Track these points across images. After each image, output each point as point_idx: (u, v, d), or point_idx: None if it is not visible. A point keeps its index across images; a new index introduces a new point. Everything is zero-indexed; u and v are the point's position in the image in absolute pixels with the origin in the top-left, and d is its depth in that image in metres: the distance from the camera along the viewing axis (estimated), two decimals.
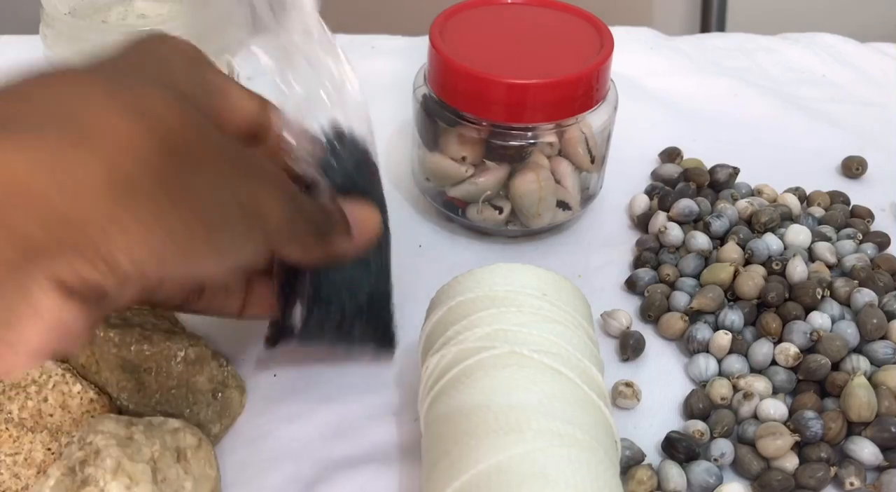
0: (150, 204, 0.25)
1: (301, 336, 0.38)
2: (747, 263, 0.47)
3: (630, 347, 0.44)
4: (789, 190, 0.54)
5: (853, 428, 0.40)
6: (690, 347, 0.44)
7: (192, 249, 0.27)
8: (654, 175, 0.56)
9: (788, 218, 0.51)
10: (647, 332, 0.46)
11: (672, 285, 0.47)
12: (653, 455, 0.40)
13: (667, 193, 0.52)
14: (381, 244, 0.38)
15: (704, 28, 1.15)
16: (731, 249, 0.47)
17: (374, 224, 0.37)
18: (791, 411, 0.40)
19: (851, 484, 0.38)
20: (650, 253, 0.49)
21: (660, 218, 0.50)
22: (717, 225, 0.49)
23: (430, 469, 0.33)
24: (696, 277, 0.47)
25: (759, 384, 0.41)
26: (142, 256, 0.25)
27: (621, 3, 1.12)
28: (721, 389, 0.41)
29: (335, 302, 0.38)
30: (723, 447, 0.39)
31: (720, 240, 0.49)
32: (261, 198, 0.29)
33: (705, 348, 0.44)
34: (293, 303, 0.38)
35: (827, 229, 0.50)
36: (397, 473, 0.39)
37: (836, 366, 0.42)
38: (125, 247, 0.25)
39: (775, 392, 0.42)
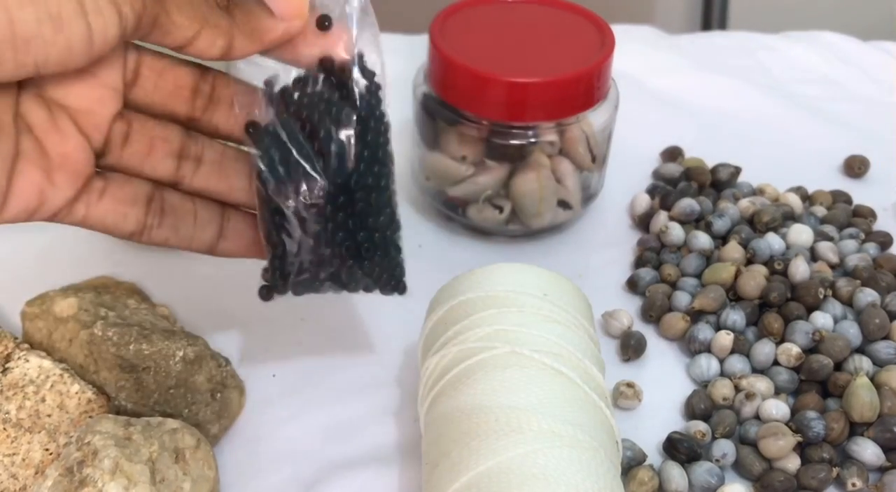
0: None
1: (295, 285, 0.35)
2: (749, 262, 0.47)
3: (631, 348, 0.44)
4: (791, 189, 0.54)
5: (855, 429, 0.39)
6: (692, 348, 0.44)
7: None
8: (656, 174, 0.56)
9: (790, 217, 0.50)
10: (649, 332, 0.45)
11: (673, 285, 0.47)
12: (654, 456, 0.40)
13: (668, 192, 0.52)
14: (376, 161, 0.34)
15: (706, 26, 1.15)
16: (733, 249, 0.47)
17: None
18: (793, 412, 0.40)
19: (854, 485, 0.38)
20: (651, 253, 0.49)
21: (661, 217, 0.50)
22: (719, 224, 0.49)
23: (431, 470, 0.33)
24: (698, 276, 0.47)
25: (761, 385, 0.41)
26: None
27: (623, 1, 1.12)
28: (723, 389, 0.41)
29: (329, 241, 0.34)
30: (724, 448, 0.39)
31: (722, 239, 0.49)
32: None
33: (707, 349, 0.44)
34: (282, 245, 0.35)
35: (829, 229, 0.50)
36: (397, 473, 0.39)
37: (838, 366, 0.42)
38: None
39: (777, 392, 0.41)
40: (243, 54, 0.32)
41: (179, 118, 0.34)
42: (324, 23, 0.33)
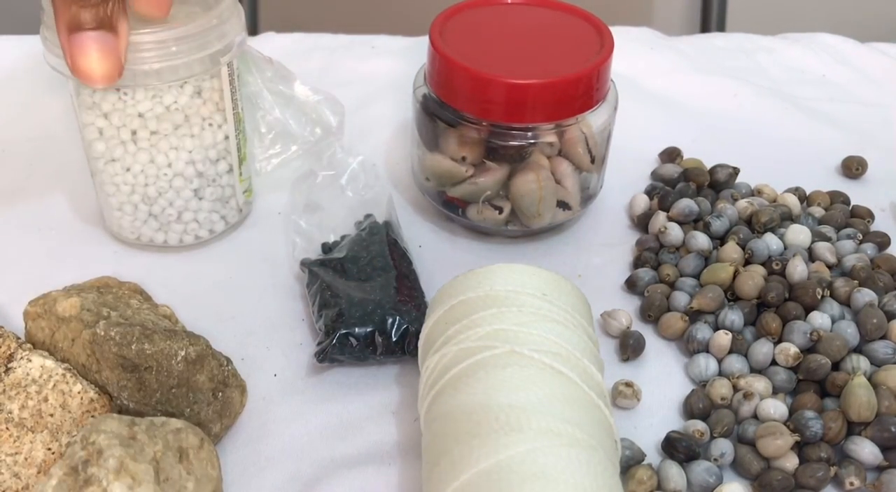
0: None
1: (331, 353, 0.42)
2: (747, 262, 0.47)
3: (630, 347, 0.44)
4: (789, 190, 0.54)
5: (853, 428, 0.40)
6: (690, 347, 0.44)
7: None
8: (654, 175, 0.56)
9: (788, 218, 0.51)
10: (647, 332, 0.46)
11: (672, 285, 0.47)
12: (653, 455, 0.40)
13: (667, 192, 0.52)
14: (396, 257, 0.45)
15: (704, 28, 1.16)
16: (731, 249, 0.47)
17: None
18: (791, 411, 0.40)
19: (851, 484, 0.38)
20: (650, 253, 0.49)
21: (660, 218, 0.50)
22: (717, 225, 0.49)
23: (431, 469, 0.33)
24: (696, 277, 0.47)
25: (759, 384, 0.41)
26: None
27: (621, 2, 1.13)
28: (721, 388, 0.41)
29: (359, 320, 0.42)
30: (723, 447, 0.39)
31: (720, 240, 0.49)
32: None
33: (705, 348, 0.44)
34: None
35: (827, 229, 0.50)
36: (397, 473, 0.39)
37: (836, 366, 0.42)
38: None
39: (775, 392, 0.42)
40: None
41: None
42: None
